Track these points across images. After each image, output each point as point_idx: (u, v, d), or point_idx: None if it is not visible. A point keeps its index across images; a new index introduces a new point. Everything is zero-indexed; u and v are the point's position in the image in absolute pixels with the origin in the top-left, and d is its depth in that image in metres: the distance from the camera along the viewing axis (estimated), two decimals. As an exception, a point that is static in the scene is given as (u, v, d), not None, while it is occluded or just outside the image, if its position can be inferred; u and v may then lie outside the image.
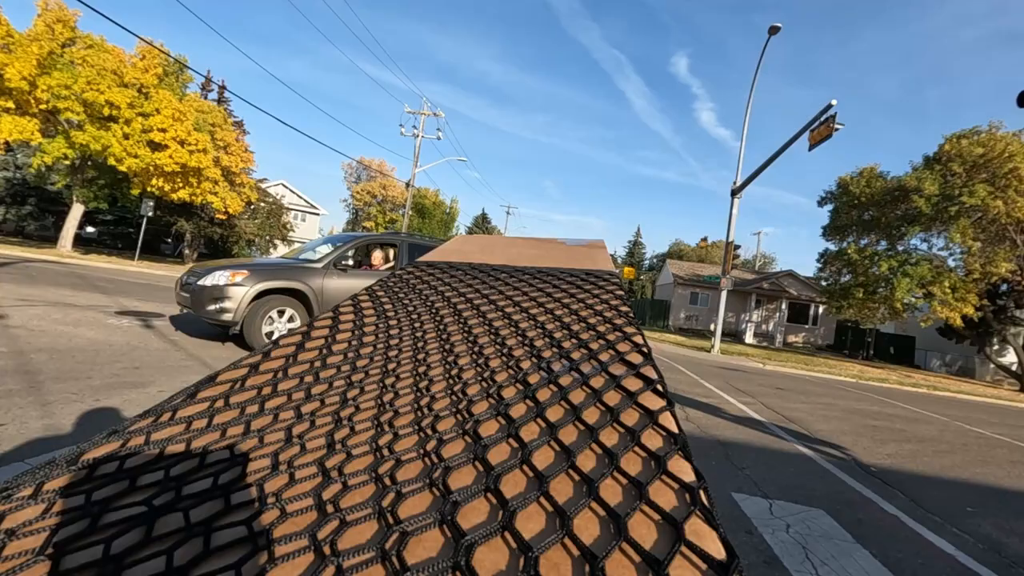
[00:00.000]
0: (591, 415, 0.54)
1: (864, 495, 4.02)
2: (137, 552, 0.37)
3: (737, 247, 19.31)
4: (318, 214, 49.45)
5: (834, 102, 12.46)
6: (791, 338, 32.30)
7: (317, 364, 0.70)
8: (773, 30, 16.20)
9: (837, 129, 12.51)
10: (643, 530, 0.38)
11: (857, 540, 3.12)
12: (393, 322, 0.85)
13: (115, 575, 0.36)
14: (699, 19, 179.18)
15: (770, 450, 5.01)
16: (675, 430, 0.51)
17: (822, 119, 13.00)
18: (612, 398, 0.57)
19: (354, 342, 0.77)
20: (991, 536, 3.53)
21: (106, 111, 18.49)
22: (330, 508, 0.42)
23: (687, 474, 0.44)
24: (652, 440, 0.49)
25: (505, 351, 0.72)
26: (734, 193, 17.87)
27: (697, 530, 0.38)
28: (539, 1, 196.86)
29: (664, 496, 0.42)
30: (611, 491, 0.43)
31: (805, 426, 6.49)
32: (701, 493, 0.41)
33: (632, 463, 0.46)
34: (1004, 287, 22.21)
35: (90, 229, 30.65)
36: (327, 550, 0.38)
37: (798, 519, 3.30)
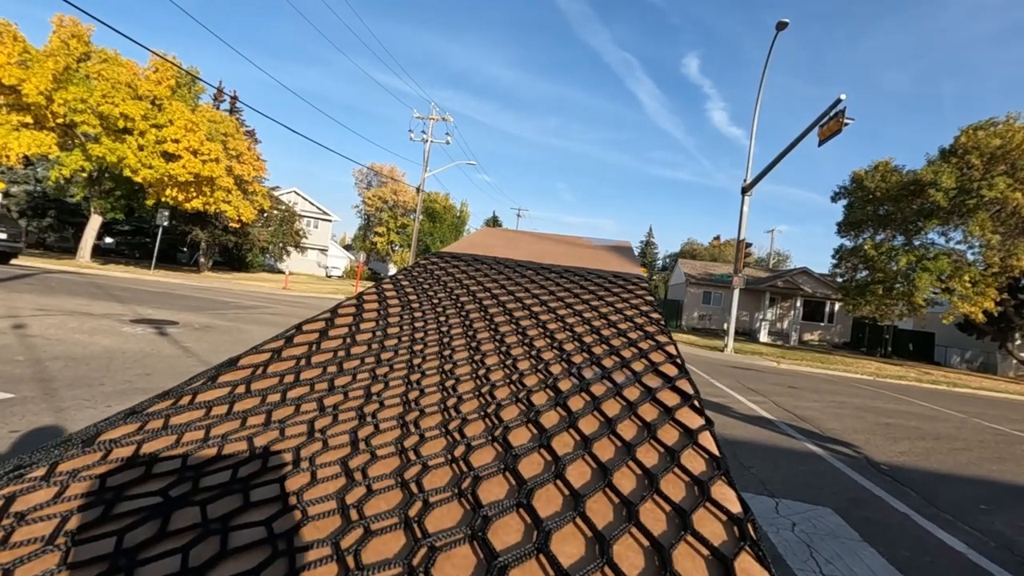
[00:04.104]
0: (626, 429, 0.51)
1: (874, 493, 3.97)
2: (151, 547, 0.36)
3: (749, 245, 19.13)
4: (330, 220, 49.89)
5: (843, 97, 12.30)
6: (807, 336, 31.87)
7: (341, 353, 0.67)
8: (780, 26, 16.04)
9: (847, 124, 12.35)
10: (689, 564, 0.35)
11: (864, 538, 3.08)
12: (418, 314, 0.82)
13: (128, 571, 0.34)
14: (709, 19, 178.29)
15: (779, 449, 4.96)
16: (716, 452, 0.48)
17: (832, 114, 12.85)
18: (648, 412, 0.54)
19: (378, 332, 0.74)
20: (1005, 534, 3.46)
21: (121, 123, 18.85)
22: (354, 514, 0.40)
23: (733, 504, 0.41)
24: (693, 462, 0.46)
25: (533, 352, 0.70)
26: (744, 191, 17.71)
27: (748, 569, 0.35)
28: (550, 6, 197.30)
29: (710, 527, 0.39)
30: (652, 517, 0.40)
31: (816, 424, 6.41)
32: (749, 526, 0.39)
33: (673, 487, 0.43)
34: (1025, 281, 21.77)
35: (108, 240, 31.25)
36: (351, 561, 0.35)
37: (804, 518, 3.27)
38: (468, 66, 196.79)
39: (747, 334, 31.01)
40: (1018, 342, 23.61)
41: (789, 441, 5.34)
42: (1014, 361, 23.78)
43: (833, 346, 30.68)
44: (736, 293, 18.02)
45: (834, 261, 25.76)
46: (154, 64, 20.57)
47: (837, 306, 30.47)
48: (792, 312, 31.93)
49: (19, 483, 0.41)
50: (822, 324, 32.42)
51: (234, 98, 34.61)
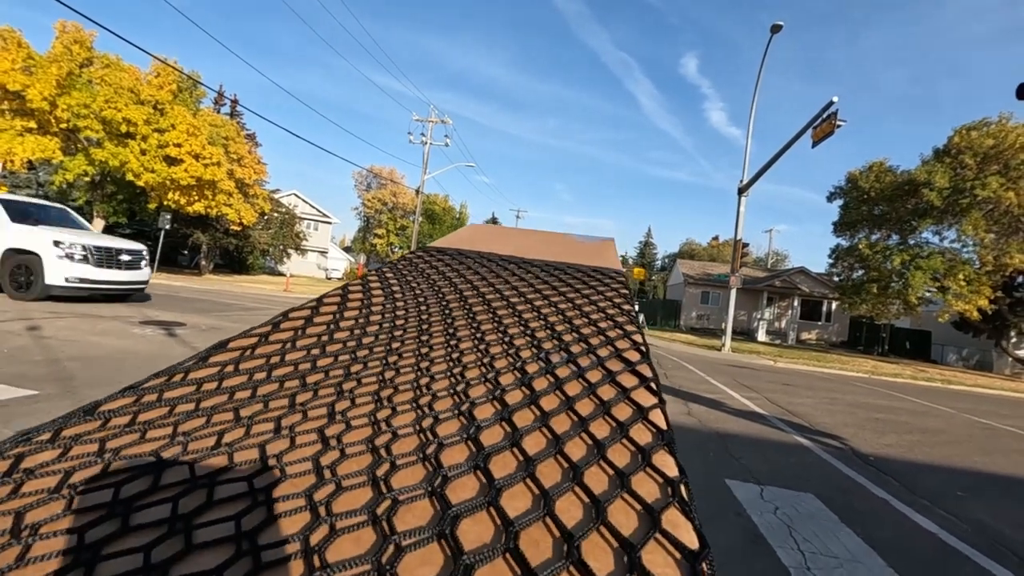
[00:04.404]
0: (584, 407, 0.55)
1: (856, 482, 4.16)
2: (145, 497, 0.40)
3: (746, 245, 19.35)
4: (330, 223, 50.12)
5: (835, 99, 12.52)
6: (804, 335, 32.09)
7: (324, 338, 0.72)
8: (775, 28, 16.28)
9: (839, 126, 12.57)
10: (622, 517, 0.40)
11: (843, 521, 3.27)
12: (400, 303, 0.86)
13: (124, 516, 0.38)
14: (707, 20, 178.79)
15: (768, 441, 5.16)
16: (664, 426, 0.52)
17: (824, 116, 13.06)
18: (606, 392, 0.58)
19: (361, 320, 0.78)
20: (979, 518, 3.66)
21: (124, 128, 19.06)
22: (327, 473, 0.44)
23: (671, 468, 0.45)
24: (640, 434, 0.50)
25: (506, 339, 0.73)
26: (741, 192, 17.93)
27: (674, 520, 0.39)
28: (548, 7, 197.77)
29: (646, 487, 0.43)
30: (595, 479, 0.44)
31: (807, 419, 6.61)
32: (682, 487, 0.43)
33: (619, 454, 0.47)
34: (1020, 279, 21.99)
35: (110, 243, 31.45)
36: (322, 511, 0.40)
37: (787, 502, 3.46)
38: (466, 67, 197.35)
39: (745, 333, 31.21)
40: (1013, 340, 23.84)
41: (779, 434, 5.54)
42: (1009, 359, 24.00)
43: (831, 345, 30.89)
44: (733, 293, 18.22)
45: (830, 261, 26.01)
46: (156, 69, 20.78)
47: (834, 305, 30.70)
48: (790, 311, 32.16)
49: (27, 445, 0.45)
50: (820, 323, 32.65)
51: (235, 102, 34.86)
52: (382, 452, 0.48)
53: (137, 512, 0.39)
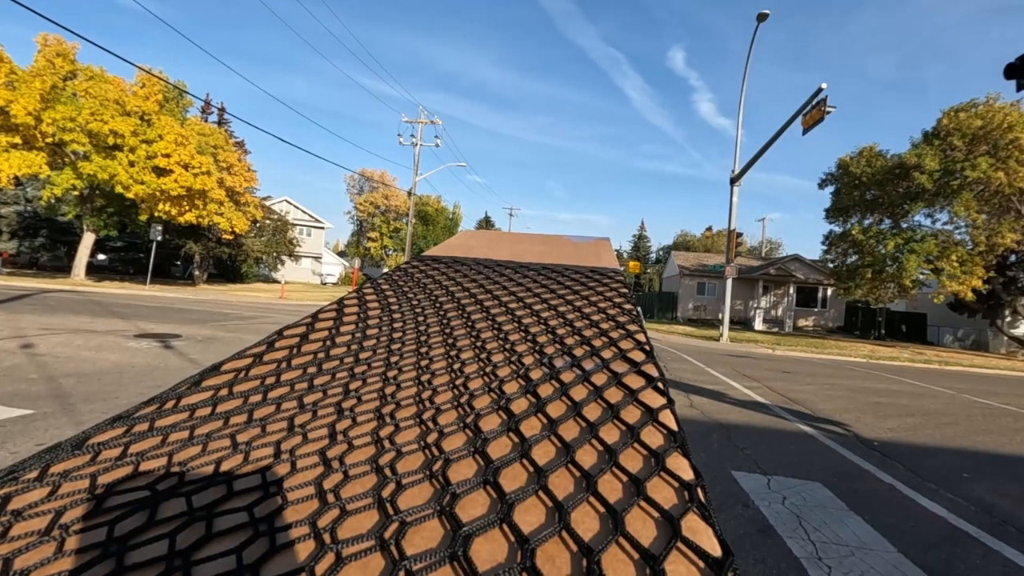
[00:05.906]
0: (592, 411, 0.54)
1: (862, 467, 4.17)
2: (140, 535, 0.39)
3: (740, 234, 19.38)
4: (323, 228, 49.92)
5: (824, 86, 12.55)
6: (801, 322, 32.21)
7: (320, 355, 0.70)
8: (761, 17, 16.29)
9: (829, 112, 12.59)
10: (640, 526, 0.39)
11: (851, 508, 3.27)
12: (397, 315, 0.85)
13: (119, 555, 0.36)
14: (693, 12, 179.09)
15: (772, 430, 5.16)
16: (675, 428, 0.51)
17: (814, 103, 13.09)
18: (613, 395, 0.58)
19: (358, 334, 0.77)
20: (984, 499, 3.66)
21: (111, 140, 18.91)
22: (331, 497, 0.43)
23: (686, 472, 0.44)
24: (652, 437, 0.50)
25: (508, 346, 0.72)
26: (733, 181, 17.96)
27: (693, 527, 0.39)
28: (534, 6, 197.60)
29: (662, 493, 0.42)
30: (609, 487, 0.43)
31: (809, 406, 6.62)
32: (699, 491, 0.42)
33: (631, 460, 0.46)
34: (1012, 258, 22.14)
35: (101, 257, 31.23)
36: (327, 538, 0.39)
37: (794, 492, 3.46)
38: (455, 68, 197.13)
39: (742, 323, 31.31)
40: (1008, 319, 24.02)
41: (782, 423, 5.54)
42: (1005, 338, 24.17)
43: (827, 331, 31.01)
44: (729, 283, 18.27)
45: (824, 247, 26.13)
46: (141, 79, 20.63)
47: (830, 291, 30.86)
48: (786, 299, 32.27)
49: (14, 485, 0.43)
50: (816, 310, 32.77)
51: (222, 110, 34.74)
52: (387, 471, 0.46)
53: (133, 550, 0.37)
